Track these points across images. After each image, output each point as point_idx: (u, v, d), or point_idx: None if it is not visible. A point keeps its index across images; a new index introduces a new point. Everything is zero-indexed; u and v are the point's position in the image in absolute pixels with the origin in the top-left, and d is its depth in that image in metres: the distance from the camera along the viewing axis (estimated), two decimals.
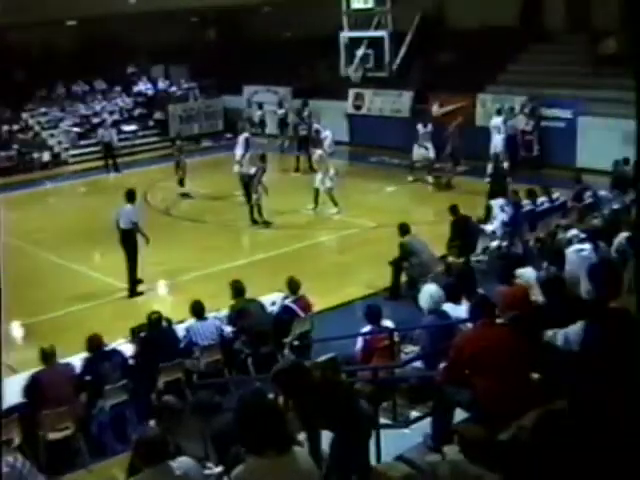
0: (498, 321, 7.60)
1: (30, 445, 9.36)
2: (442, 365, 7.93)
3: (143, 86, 35.18)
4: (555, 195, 16.98)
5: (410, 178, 23.76)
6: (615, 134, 20.67)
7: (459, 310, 9.55)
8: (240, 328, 11.53)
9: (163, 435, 6.34)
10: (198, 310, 11.46)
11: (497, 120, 23.24)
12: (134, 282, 15.54)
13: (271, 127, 30.72)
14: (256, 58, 32.94)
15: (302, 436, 6.60)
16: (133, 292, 15.51)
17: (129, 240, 15.42)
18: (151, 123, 33.47)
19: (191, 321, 11.46)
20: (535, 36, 26.66)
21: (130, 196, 15.68)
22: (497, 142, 22.91)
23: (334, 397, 6.47)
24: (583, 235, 12.09)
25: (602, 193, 16.92)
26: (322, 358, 9.20)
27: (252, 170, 20.07)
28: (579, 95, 23.51)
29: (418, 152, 23.71)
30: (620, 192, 16.23)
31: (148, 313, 11.25)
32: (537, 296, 9.16)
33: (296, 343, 11.75)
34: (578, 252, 10.91)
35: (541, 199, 16.57)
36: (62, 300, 15.33)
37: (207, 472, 7.11)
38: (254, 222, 19.75)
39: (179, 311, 12.40)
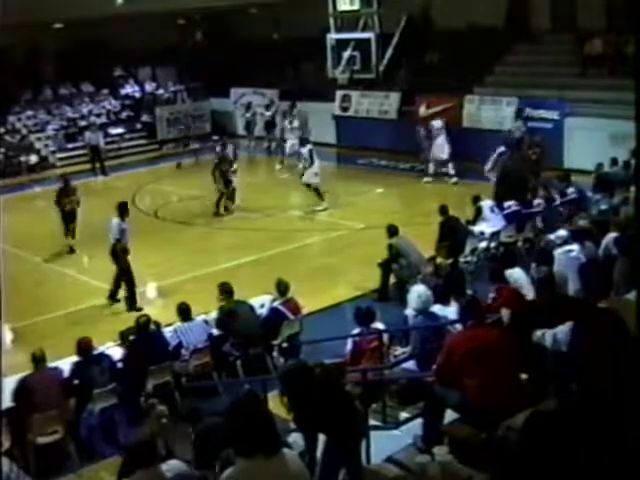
0: (487, 322, 7.64)
1: (19, 449, 9.35)
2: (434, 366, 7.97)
3: (130, 89, 35.13)
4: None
5: None
6: (602, 134, 20.77)
7: (448, 311, 9.58)
8: (229, 330, 11.52)
9: (153, 438, 6.35)
10: (183, 311, 11.48)
11: (518, 123, 23.26)
12: (132, 296, 14.86)
13: (258, 129, 30.70)
14: (243, 60, 32.98)
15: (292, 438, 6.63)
16: (132, 306, 14.73)
17: (116, 255, 14.88)
18: (138, 126, 33.39)
19: (178, 323, 11.47)
20: (521, 37, 26.73)
21: (119, 209, 15.14)
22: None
23: (334, 400, 6.49)
24: (568, 235, 12.13)
25: (589, 194, 16.96)
26: (330, 361, 9.15)
27: None
28: (566, 96, 23.57)
29: None
30: (604, 194, 16.29)
31: (136, 316, 11.24)
32: (528, 296, 9.22)
33: (285, 345, 11.75)
34: (566, 253, 10.95)
35: (537, 201, 16.58)
36: (50, 303, 15.31)
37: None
38: None
39: (169, 314, 12.39)
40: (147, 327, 11.04)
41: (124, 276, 14.94)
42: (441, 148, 23.51)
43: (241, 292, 12.01)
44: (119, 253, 14.86)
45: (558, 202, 16.36)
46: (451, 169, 23.46)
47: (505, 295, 9.08)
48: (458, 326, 8.20)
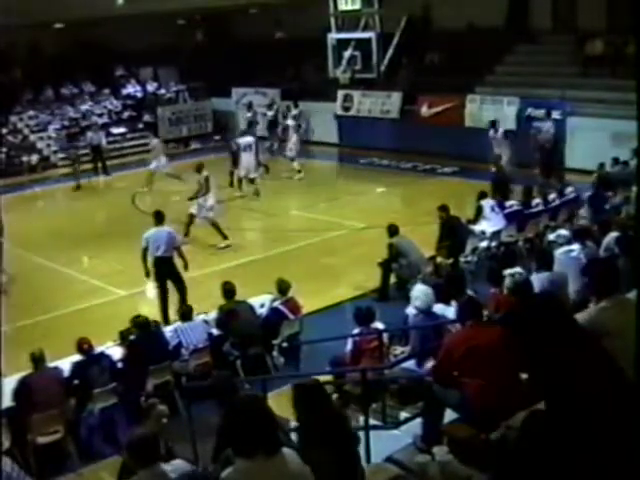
0: (487, 321, 7.62)
1: (19, 449, 9.34)
2: (431, 364, 7.96)
3: (132, 88, 35.13)
4: (551, 197, 16.98)
5: None
6: (604, 134, 20.75)
7: (449, 311, 9.57)
8: (229, 330, 11.52)
9: (155, 437, 6.34)
10: (185, 312, 11.50)
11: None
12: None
13: (261, 129, 30.67)
14: (244, 60, 32.94)
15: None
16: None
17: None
18: (140, 126, 33.37)
19: (178, 323, 11.48)
20: (522, 37, 26.73)
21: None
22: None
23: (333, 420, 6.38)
24: (570, 235, 12.11)
25: (590, 194, 16.95)
26: None
27: None
28: (567, 96, 23.55)
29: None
30: (606, 193, 16.28)
31: (135, 316, 11.23)
32: None
33: (285, 345, 11.75)
34: (567, 253, 10.93)
35: (535, 201, 16.58)
36: (50, 303, 15.28)
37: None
38: None
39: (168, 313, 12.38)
40: (147, 327, 11.04)
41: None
42: (293, 146, 25.44)
43: (241, 292, 12.00)
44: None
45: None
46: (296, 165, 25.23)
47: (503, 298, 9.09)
48: (458, 326, 8.18)
